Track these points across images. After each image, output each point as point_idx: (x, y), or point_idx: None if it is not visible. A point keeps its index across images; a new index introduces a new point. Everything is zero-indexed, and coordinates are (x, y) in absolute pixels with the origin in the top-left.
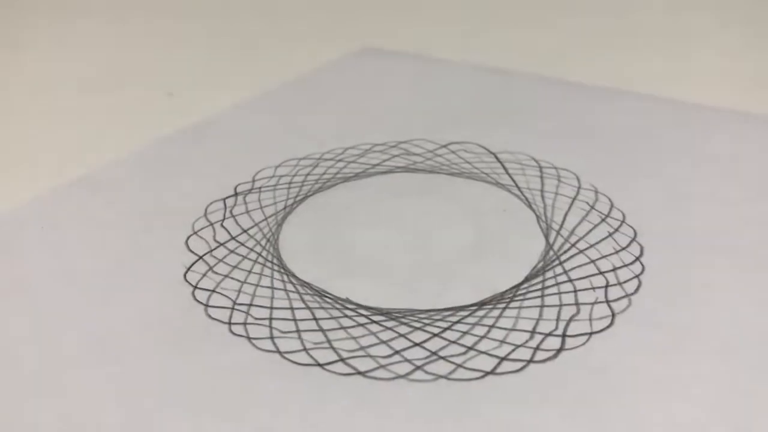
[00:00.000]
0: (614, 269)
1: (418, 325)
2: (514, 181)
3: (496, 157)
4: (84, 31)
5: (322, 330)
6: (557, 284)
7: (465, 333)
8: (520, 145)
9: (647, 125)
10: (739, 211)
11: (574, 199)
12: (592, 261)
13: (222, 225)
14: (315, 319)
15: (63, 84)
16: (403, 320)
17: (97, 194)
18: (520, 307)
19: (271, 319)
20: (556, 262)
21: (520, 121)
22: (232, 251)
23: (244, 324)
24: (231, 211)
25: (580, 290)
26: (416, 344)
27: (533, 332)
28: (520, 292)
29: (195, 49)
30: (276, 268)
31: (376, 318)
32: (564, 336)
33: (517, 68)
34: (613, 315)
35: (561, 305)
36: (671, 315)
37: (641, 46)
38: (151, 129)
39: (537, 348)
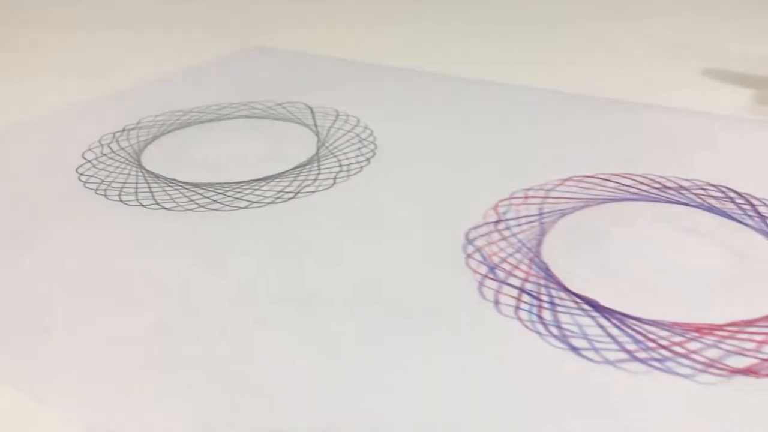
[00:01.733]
0: (349, 164)
1: (228, 190)
2: (314, 121)
3: (310, 109)
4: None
5: (151, 192)
6: (312, 172)
7: (251, 193)
8: (335, 105)
9: (430, 95)
10: (466, 138)
11: (349, 131)
12: (339, 160)
13: (108, 146)
14: (160, 189)
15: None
16: (235, 189)
17: (30, 137)
18: (283, 182)
19: (136, 192)
20: (315, 161)
21: (344, 92)
22: (112, 159)
23: (119, 195)
24: (118, 140)
25: (323, 173)
26: (238, 198)
27: (283, 191)
28: (287, 175)
29: (120, 36)
30: (137, 167)
31: (200, 190)
32: (298, 192)
33: (358, 59)
34: (335, 181)
35: (306, 180)
36: (376, 185)
37: (457, 36)
38: (76, 94)
39: (281, 191)
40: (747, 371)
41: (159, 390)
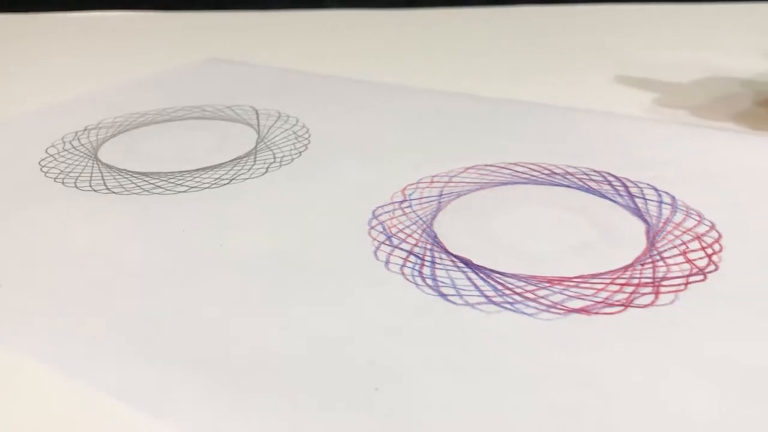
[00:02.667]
0: (283, 156)
1: None
2: (258, 121)
3: (255, 111)
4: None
5: (103, 180)
6: (248, 163)
7: (191, 180)
8: (278, 107)
9: (363, 99)
10: (390, 135)
11: (287, 129)
12: (273, 153)
13: (70, 142)
14: (111, 178)
15: None
16: (177, 177)
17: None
18: (221, 171)
19: (90, 179)
20: (253, 154)
21: (288, 96)
22: (71, 154)
23: (75, 182)
24: (79, 138)
25: (257, 163)
26: (179, 184)
27: (220, 178)
28: (225, 166)
29: (86, 47)
30: (93, 160)
31: (146, 178)
32: (233, 179)
33: (303, 69)
34: (267, 170)
35: (241, 169)
36: (304, 174)
37: (393, 49)
38: (44, 98)
39: (219, 178)
40: (580, 310)
41: (91, 325)
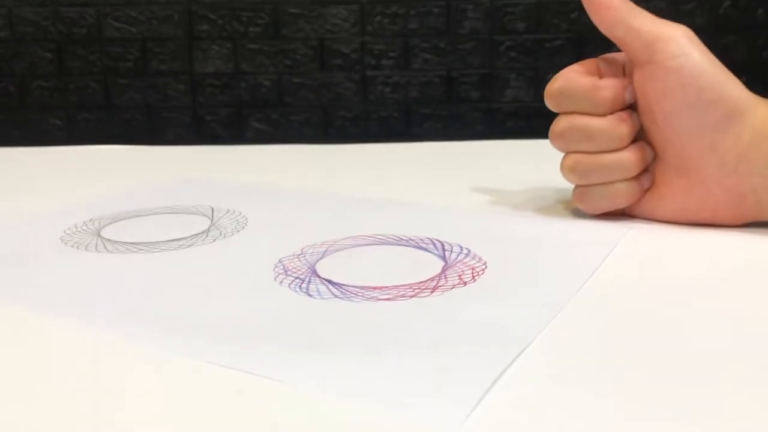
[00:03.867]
0: (226, 233)
1: None
2: (212, 214)
3: (211, 208)
4: None
5: (104, 245)
6: (202, 237)
7: (163, 245)
8: (228, 206)
9: (287, 199)
10: (301, 219)
11: (231, 218)
12: (220, 231)
13: (80, 228)
14: (109, 244)
15: None
16: (152, 244)
17: (33, 225)
18: (182, 240)
19: (96, 246)
20: (206, 232)
21: (237, 200)
22: (81, 234)
23: (86, 247)
24: (86, 225)
25: (209, 237)
26: (153, 248)
27: (182, 245)
28: (186, 239)
29: (91, 173)
30: (97, 236)
31: (131, 245)
32: (191, 245)
33: (249, 183)
34: (215, 240)
35: (197, 240)
36: (240, 243)
37: (317, 167)
38: (59, 204)
39: (181, 245)
40: (385, 299)
41: (101, 304)
